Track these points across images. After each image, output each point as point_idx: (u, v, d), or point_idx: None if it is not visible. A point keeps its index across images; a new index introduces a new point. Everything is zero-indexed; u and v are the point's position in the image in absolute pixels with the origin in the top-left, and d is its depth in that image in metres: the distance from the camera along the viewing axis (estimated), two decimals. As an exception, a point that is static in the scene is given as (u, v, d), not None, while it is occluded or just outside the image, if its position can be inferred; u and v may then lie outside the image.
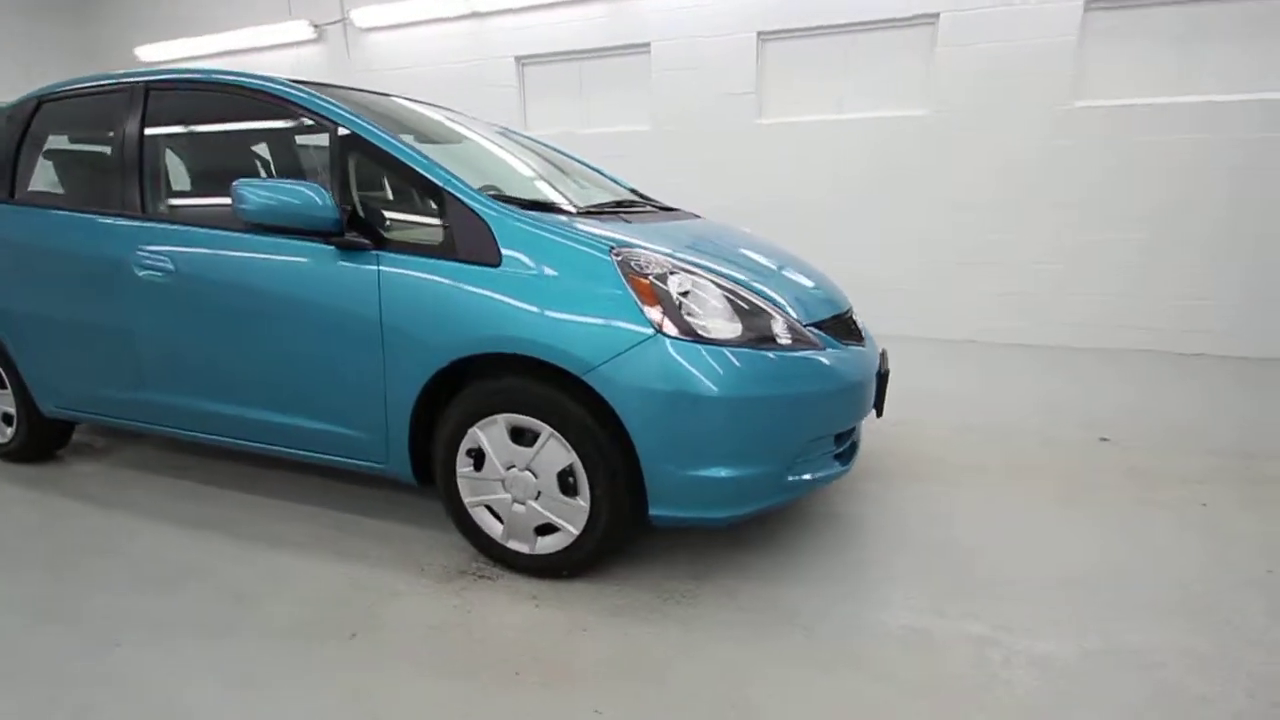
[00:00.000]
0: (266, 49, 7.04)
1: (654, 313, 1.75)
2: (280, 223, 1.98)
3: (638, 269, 1.82)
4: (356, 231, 2.00)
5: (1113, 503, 2.47)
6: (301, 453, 2.26)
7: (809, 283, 2.31)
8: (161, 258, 2.26)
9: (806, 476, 1.94)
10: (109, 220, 2.39)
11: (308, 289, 2.05)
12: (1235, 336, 4.51)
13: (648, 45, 5.52)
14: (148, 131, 2.40)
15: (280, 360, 2.15)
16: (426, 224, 2.04)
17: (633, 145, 5.69)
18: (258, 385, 2.23)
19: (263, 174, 2.73)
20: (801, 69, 5.23)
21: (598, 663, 1.67)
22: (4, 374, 2.82)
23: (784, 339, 1.87)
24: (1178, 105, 4.36)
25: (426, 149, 2.08)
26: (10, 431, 2.91)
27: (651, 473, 1.80)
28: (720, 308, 1.84)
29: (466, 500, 2.04)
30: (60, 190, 2.76)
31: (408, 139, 2.11)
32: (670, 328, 1.74)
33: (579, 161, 3.11)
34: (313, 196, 1.94)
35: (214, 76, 2.32)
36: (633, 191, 2.98)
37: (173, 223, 2.31)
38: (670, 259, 1.90)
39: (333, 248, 2.01)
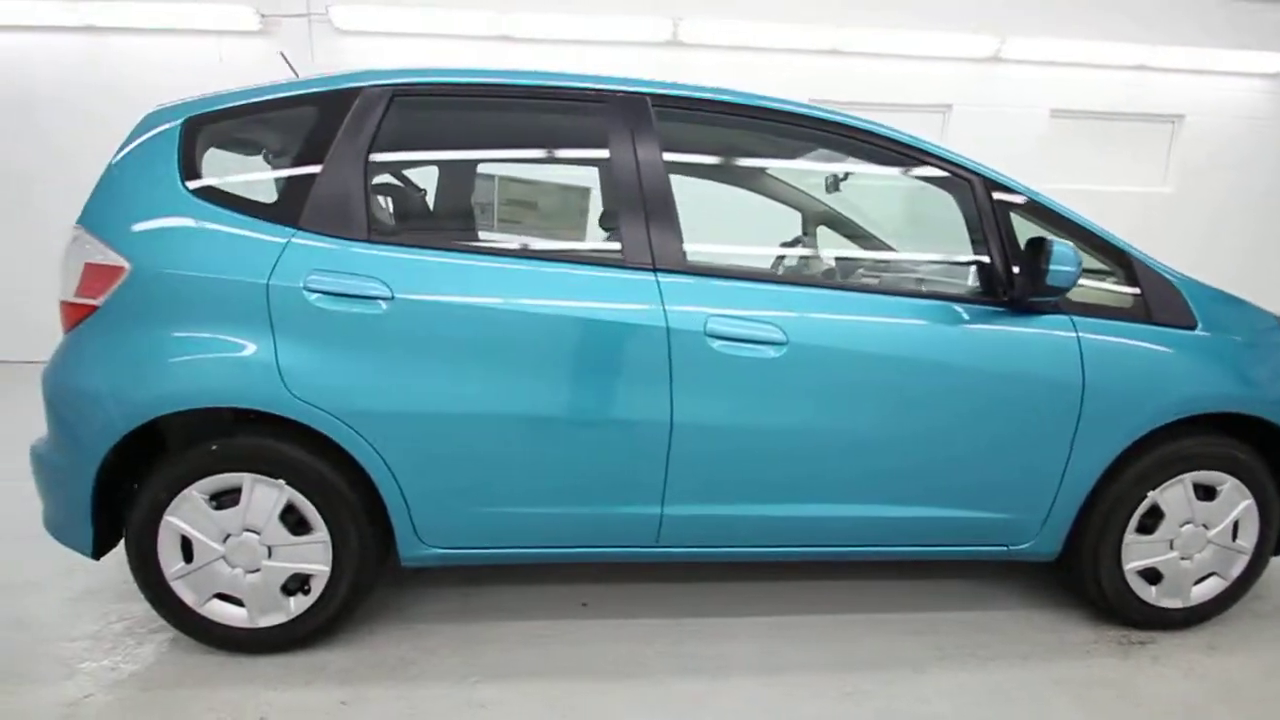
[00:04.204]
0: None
1: None
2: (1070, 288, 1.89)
3: None
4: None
5: None
6: (901, 549, 2.14)
7: None
8: (764, 327, 1.86)
9: None
10: (637, 276, 1.86)
11: (989, 358, 1.97)
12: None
13: (949, 106, 6.00)
14: (669, 158, 1.98)
15: (925, 443, 1.98)
16: (1106, 289, 2.15)
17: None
18: (883, 477, 2.01)
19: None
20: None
21: None
22: (321, 511, 1.87)
23: None
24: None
25: None
26: (300, 603, 1.92)
27: None
28: None
29: (1127, 566, 2.16)
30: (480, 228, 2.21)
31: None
32: None
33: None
34: (1076, 256, 1.87)
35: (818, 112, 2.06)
36: None
37: (771, 282, 2.06)
38: None
39: (1002, 310, 1.98)
